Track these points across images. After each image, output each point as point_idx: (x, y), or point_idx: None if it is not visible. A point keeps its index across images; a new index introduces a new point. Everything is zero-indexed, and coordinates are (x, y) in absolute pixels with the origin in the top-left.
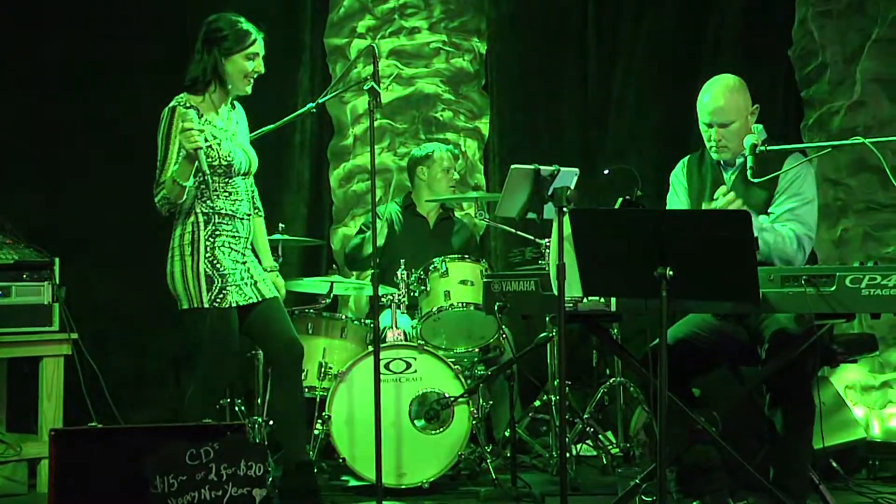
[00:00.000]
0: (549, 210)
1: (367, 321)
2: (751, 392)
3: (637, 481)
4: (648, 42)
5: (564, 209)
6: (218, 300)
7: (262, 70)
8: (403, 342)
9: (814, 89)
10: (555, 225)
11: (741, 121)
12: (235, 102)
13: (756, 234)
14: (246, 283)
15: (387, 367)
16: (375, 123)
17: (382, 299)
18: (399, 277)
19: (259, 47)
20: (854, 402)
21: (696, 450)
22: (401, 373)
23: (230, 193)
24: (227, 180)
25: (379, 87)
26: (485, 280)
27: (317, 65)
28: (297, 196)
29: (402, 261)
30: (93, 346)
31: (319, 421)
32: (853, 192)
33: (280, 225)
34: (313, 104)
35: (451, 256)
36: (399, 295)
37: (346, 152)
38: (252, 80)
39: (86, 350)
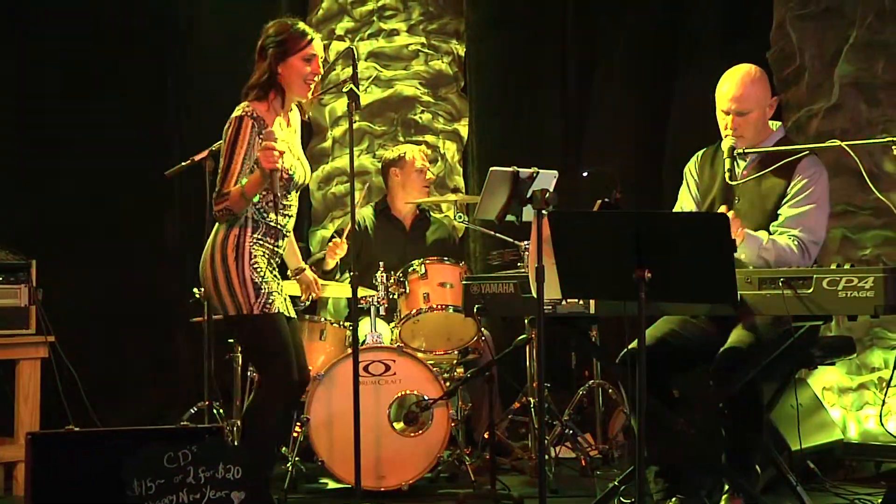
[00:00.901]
0: (528, 212)
1: (347, 324)
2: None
3: (616, 483)
4: (627, 45)
5: (543, 211)
6: (268, 305)
7: (321, 72)
8: (382, 345)
9: (792, 92)
10: (534, 227)
11: (759, 111)
12: (293, 106)
13: (758, 256)
14: (281, 296)
15: (366, 369)
16: (354, 126)
17: (361, 302)
18: (378, 280)
19: (316, 48)
20: (831, 403)
21: (673, 451)
22: (380, 375)
23: (284, 207)
24: (285, 193)
25: (358, 89)
26: (464, 282)
27: None
28: None
29: (381, 263)
30: (70, 348)
31: (298, 423)
32: (831, 194)
33: None
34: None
35: (430, 258)
36: (378, 297)
37: (325, 154)
38: (312, 84)
39: (63, 353)
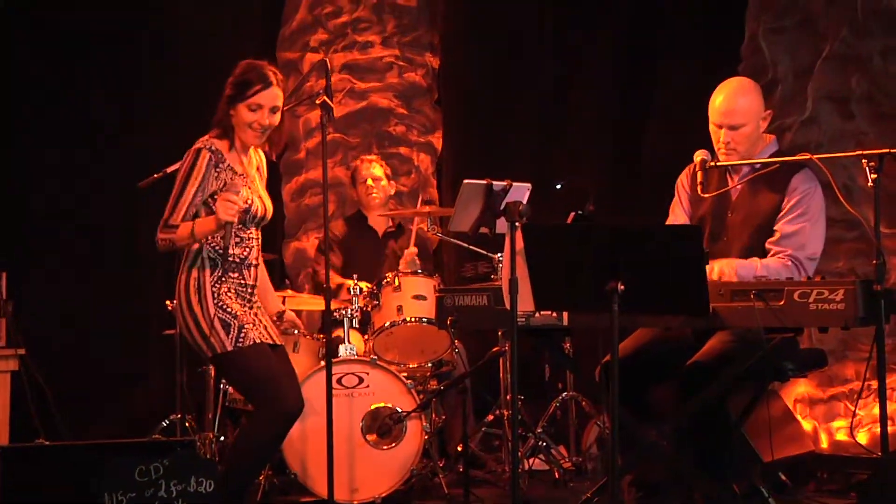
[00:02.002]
0: (501, 224)
1: (320, 336)
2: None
3: (589, 495)
4: (602, 57)
5: (517, 224)
6: (241, 340)
7: (270, 123)
8: (356, 357)
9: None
10: (507, 239)
11: (752, 125)
12: (259, 152)
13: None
14: (259, 325)
15: (339, 381)
16: (328, 137)
17: (335, 314)
18: (352, 292)
19: (268, 97)
20: (803, 415)
21: (647, 462)
22: (353, 388)
23: (241, 240)
24: (240, 227)
25: (332, 101)
26: (437, 295)
27: None
28: None
29: (354, 276)
30: (41, 361)
31: None
32: None
33: None
34: None
35: (403, 271)
36: (352, 309)
37: (299, 166)
38: (261, 133)
39: (33, 366)
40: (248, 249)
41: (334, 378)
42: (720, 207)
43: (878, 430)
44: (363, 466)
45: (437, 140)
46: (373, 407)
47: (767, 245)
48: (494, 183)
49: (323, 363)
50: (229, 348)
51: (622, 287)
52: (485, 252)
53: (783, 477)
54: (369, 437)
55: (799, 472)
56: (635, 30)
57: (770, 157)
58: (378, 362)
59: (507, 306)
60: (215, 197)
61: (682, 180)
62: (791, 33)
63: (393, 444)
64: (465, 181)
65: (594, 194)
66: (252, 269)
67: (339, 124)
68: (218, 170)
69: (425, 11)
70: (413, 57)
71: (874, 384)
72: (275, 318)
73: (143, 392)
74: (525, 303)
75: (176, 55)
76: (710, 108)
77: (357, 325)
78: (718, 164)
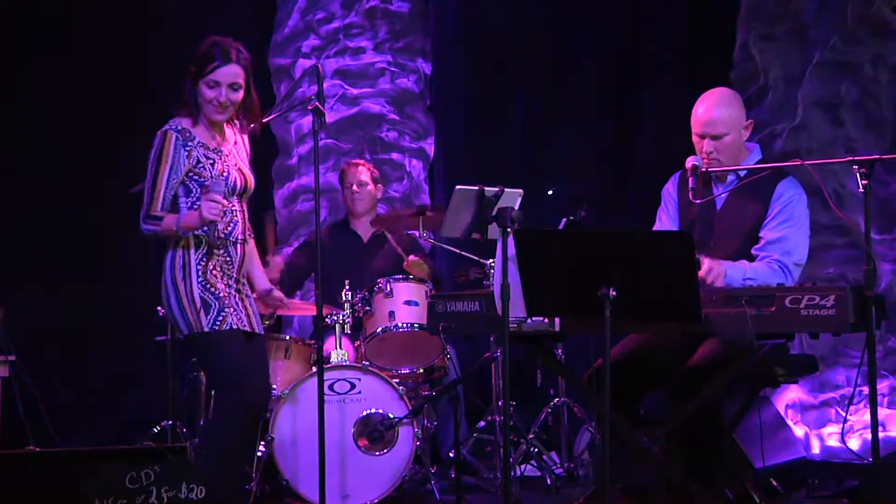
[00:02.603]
0: (493, 230)
1: (311, 341)
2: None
3: (581, 501)
4: (593, 63)
5: (509, 230)
6: (218, 322)
7: (230, 100)
8: (347, 363)
9: (755, 112)
10: (499, 245)
11: (734, 134)
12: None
13: (744, 284)
14: (241, 310)
15: (331, 387)
16: (320, 143)
17: (326, 319)
18: (343, 298)
19: (222, 75)
20: (794, 421)
21: (639, 468)
22: (345, 393)
23: (224, 214)
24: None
25: (323, 106)
26: (429, 300)
27: (261, 85)
28: None
29: (346, 281)
30: (31, 368)
31: (262, 442)
32: None
33: None
34: None
35: (395, 276)
36: (343, 315)
37: (291, 172)
38: (221, 110)
39: (24, 372)
40: (230, 224)
41: (326, 384)
42: (706, 215)
43: (870, 436)
44: (355, 472)
45: (430, 146)
46: (364, 413)
47: (753, 251)
48: (486, 189)
49: (314, 369)
50: (205, 329)
51: (614, 293)
52: (477, 258)
53: (774, 483)
54: (361, 443)
55: (790, 479)
56: (625, 35)
57: (755, 164)
58: (370, 368)
59: (499, 312)
60: (191, 174)
61: (669, 188)
62: (782, 40)
63: (385, 451)
64: (458, 187)
65: (586, 200)
66: (238, 245)
67: (331, 130)
68: (188, 148)
69: (417, 18)
70: (405, 63)
71: (865, 390)
72: (260, 297)
73: (133, 398)
74: (517, 309)
75: (167, 61)
76: (692, 119)
77: (349, 332)
78: (710, 169)
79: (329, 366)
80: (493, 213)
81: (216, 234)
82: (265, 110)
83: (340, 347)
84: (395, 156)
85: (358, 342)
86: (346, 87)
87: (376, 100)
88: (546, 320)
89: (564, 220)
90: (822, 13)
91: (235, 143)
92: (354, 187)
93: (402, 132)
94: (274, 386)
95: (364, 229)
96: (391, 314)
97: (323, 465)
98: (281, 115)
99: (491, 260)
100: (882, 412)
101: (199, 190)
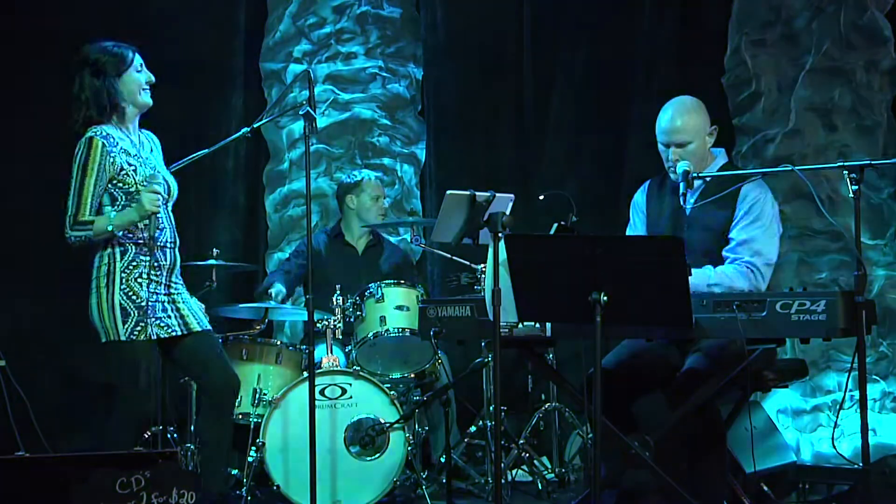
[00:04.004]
0: (484, 235)
1: (302, 347)
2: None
3: None
4: (584, 69)
5: (500, 234)
6: (135, 333)
7: (153, 78)
8: (339, 368)
9: (747, 117)
10: (490, 250)
11: (698, 141)
12: (143, 130)
13: (708, 289)
14: (169, 315)
15: (322, 393)
16: (311, 148)
17: (318, 325)
18: (335, 303)
19: (139, 61)
20: (785, 425)
21: (630, 473)
22: (336, 399)
23: (150, 221)
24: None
25: (314, 112)
26: (420, 305)
27: (252, 89)
28: (231, 221)
29: (337, 286)
30: (21, 373)
31: (253, 448)
32: (788, 218)
33: (214, 250)
34: (248, 129)
35: (386, 282)
36: (335, 321)
37: (282, 177)
38: (149, 90)
39: (13, 377)
40: (158, 230)
41: (317, 389)
42: (676, 223)
43: (860, 440)
44: (346, 478)
45: (421, 151)
46: (355, 418)
47: (724, 253)
48: (478, 194)
49: (305, 374)
50: (121, 338)
51: (605, 298)
52: (468, 263)
53: (765, 488)
54: (352, 449)
55: (781, 483)
56: (616, 40)
57: (720, 169)
58: (361, 373)
59: (490, 317)
60: (114, 182)
61: (638, 199)
62: (774, 46)
63: (376, 456)
64: (449, 192)
65: (577, 205)
66: (168, 250)
67: (323, 135)
68: (112, 154)
69: (409, 23)
70: (396, 68)
71: (856, 395)
72: None
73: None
74: (508, 313)
75: (158, 65)
76: (656, 129)
77: (340, 337)
78: (702, 175)
79: (320, 371)
80: (485, 218)
81: (150, 233)
82: (256, 115)
83: (331, 353)
84: (386, 161)
85: (349, 347)
86: (338, 92)
87: (367, 105)
88: (537, 325)
89: (555, 224)
90: (814, 19)
91: (152, 150)
92: (379, 200)
93: (394, 137)
94: (265, 391)
95: (358, 239)
96: (382, 319)
97: (314, 470)
98: (272, 119)
99: (482, 265)
100: (872, 417)
101: (124, 198)
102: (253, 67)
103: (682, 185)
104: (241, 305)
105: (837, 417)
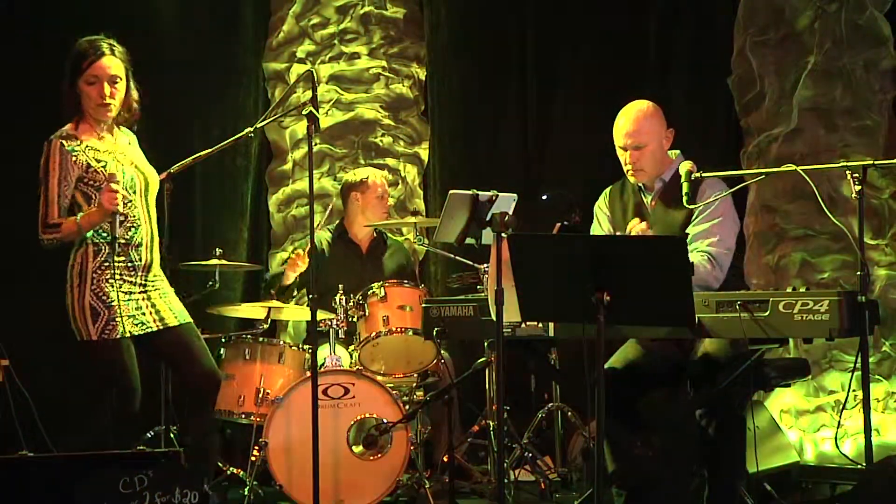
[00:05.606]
0: (487, 235)
1: (306, 347)
2: (689, 414)
3: None
4: (588, 69)
5: (503, 234)
6: (107, 332)
7: (112, 94)
8: (341, 368)
9: (752, 117)
10: (493, 250)
11: (655, 143)
12: (123, 128)
13: None
14: (143, 312)
15: (325, 392)
16: (315, 148)
17: (321, 325)
18: (337, 303)
19: (99, 69)
20: (789, 425)
21: (634, 472)
22: (339, 398)
23: (125, 218)
24: (125, 203)
25: (317, 112)
26: (423, 305)
27: (259, 88)
28: (237, 221)
29: (340, 286)
30: (24, 372)
31: (256, 447)
32: (791, 218)
33: (217, 250)
34: (251, 129)
35: (389, 281)
36: (337, 320)
37: (286, 177)
38: (108, 106)
39: (17, 376)
40: (131, 228)
41: (320, 389)
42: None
43: (863, 440)
44: (349, 477)
45: (424, 151)
46: (359, 418)
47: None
48: (480, 193)
49: (308, 374)
50: (94, 337)
51: (608, 298)
52: (471, 263)
53: (768, 488)
54: (355, 448)
55: (784, 484)
56: (620, 41)
57: (677, 172)
58: (364, 373)
59: (493, 317)
60: (85, 181)
61: (601, 203)
62: (776, 47)
63: (379, 455)
64: (452, 192)
65: (580, 205)
66: (142, 249)
67: (326, 135)
68: (75, 153)
69: (412, 23)
70: (400, 68)
71: (859, 394)
72: None
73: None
74: (511, 313)
75: (163, 66)
76: (614, 133)
77: (343, 337)
78: (704, 175)
79: (323, 371)
80: (488, 218)
81: (118, 231)
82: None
83: (334, 352)
84: (389, 161)
85: (352, 347)
86: (341, 92)
87: (371, 105)
88: (540, 325)
89: (559, 224)
90: (815, 20)
91: (129, 143)
92: (385, 197)
93: (397, 137)
94: (268, 391)
95: (363, 237)
96: (385, 319)
97: (317, 470)
98: (276, 119)
99: (485, 265)
100: (875, 417)
101: (98, 195)
102: (257, 67)
103: (683, 184)
104: (244, 305)
105: (840, 417)
